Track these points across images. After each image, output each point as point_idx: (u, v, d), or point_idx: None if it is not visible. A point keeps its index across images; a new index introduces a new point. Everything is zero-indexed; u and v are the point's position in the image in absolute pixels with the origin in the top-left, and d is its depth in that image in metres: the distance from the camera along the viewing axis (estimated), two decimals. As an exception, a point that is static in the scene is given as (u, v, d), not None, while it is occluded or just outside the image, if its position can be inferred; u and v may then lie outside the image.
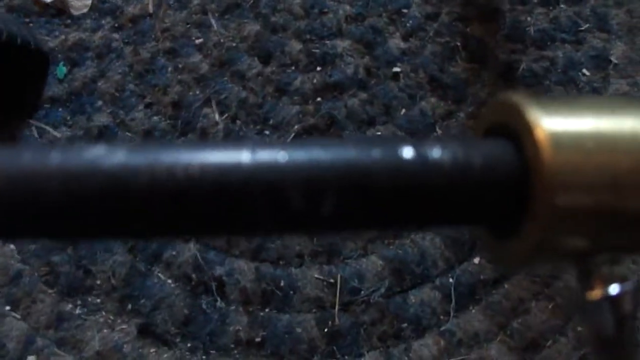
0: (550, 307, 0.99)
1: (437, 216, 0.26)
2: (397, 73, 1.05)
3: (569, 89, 1.10)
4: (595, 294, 0.27)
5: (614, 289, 0.26)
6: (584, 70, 1.12)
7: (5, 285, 0.92)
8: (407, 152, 0.24)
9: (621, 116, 0.26)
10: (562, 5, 1.16)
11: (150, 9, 1.07)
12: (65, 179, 0.21)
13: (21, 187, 0.21)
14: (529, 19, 1.14)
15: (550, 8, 1.15)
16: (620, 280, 0.26)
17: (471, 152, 0.25)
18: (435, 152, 0.25)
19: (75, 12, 1.07)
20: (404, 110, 1.03)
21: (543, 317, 0.98)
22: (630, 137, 0.25)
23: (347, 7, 1.09)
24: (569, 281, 1.01)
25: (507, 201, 0.25)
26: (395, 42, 1.08)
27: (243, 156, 0.23)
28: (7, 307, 0.91)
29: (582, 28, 1.15)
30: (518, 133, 0.26)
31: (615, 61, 1.14)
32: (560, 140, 0.25)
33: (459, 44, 1.09)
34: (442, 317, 0.95)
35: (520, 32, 1.12)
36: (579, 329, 0.99)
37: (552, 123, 0.25)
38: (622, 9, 1.18)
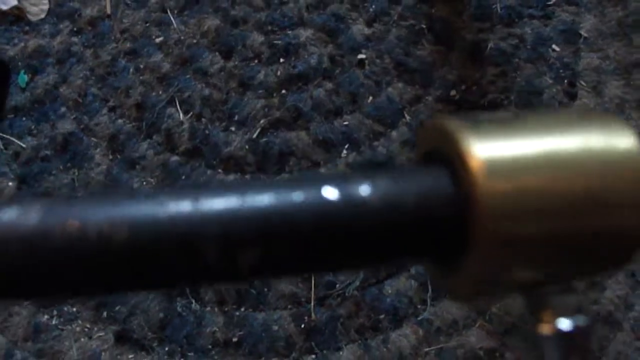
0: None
1: (370, 258, 0.25)
2: (362, 60, 1.06)
3: (538, 66, 1.10)
4: (545, 328, 0.26)
5: (564, 323, 0.25)
6: (554, 46, 1.12)
7: (-22, 301, 0.92)
8: (332, 193, 0.23)
9: (562, 135, 0.25)
10: (528, -20, 1.15)
11: (108, 10, 1.07)
12: None
13: None
14: (495, -5, 1.13)
15: (517, -17, 1.15)
16: (573, 312, 0.25)
17: (403, 187, 0.24)
18: (363, 191, 0.24)
19: (33, 18, 1.07)
20: (371, 98, 1.04)
21: (522, 301, 1.00)
22: (575, 158, 0.24)
23: (308, -5, 1.09)
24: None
25: (444, 236, 0.24)
26: (359, 28, 1.08)
27: (157, 209, 0.23)
28: (-17, 323, 0.92)
29: (551, 2, 1.15)
30: (452, 161, 0.24)
31: (586, 35, 1.14)
32: (496, 167, 0.23)
33: (424, 26, 1.10)
34: (419, 306, 0.96)
35: (487, 11, 1.13)
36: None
37: (486, 149, 0.24)
38: (590, -21, 1.17)
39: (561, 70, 1.11)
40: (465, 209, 0.23)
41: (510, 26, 1.13)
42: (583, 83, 1.11)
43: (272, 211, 0.23)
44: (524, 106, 1.08)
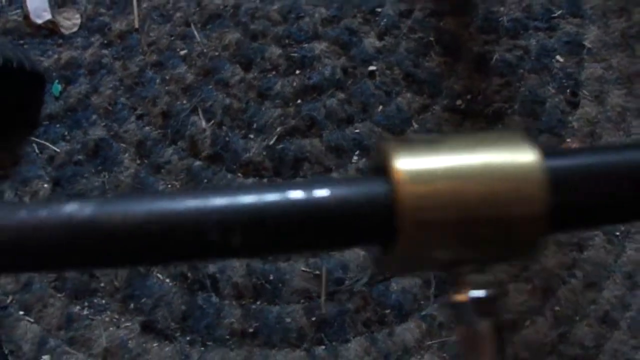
0: (528, 288, 1.12)
1: (326, 243, 0.34)
2: (373, 71, 1.19)
3: (542, 76, 1.22)
4: (460, 297, 0.34)
5: (474, 293, 0.33)
6: (558, 57, 1.24)
7: (18, 292, 1.07)
8: (298, 194, 0.32)
9: (473, 151, 0.33)
10: (534, -7, 1.27)
11: (136, 24, 1.21)
12: (49, 230, 0.34)
13: (23, 235, 0.34)
14: (502, 9, 1.26)
15: (523, -4, 1.27)
16: (482, 287, 0.34)
17: (351, 190, 0.33)
18: (321, 193, 0.32)
19: (66, 32, 1.21)
20: (381, 107, 1.17)
21: (521, 298, 1.11)
22: (479, 169, 0.32)
23: (323, 10, 1.22)
24: (544, 263, 1.14)
25: (381, 226, 0.33)
26: (370, 42, 1.21)
27: (175, 204, 0.34)
28: (21, 312, 1.07)
29: (555, 15, 1.27)
30: (387, 172, 0.33)
31: (589, 45, 1.26)
32: (415, 176, 0.32)
33: (432, 39, 1.22)
34: (422, 302, 1.09)
35: (493, 23, 1.25)
36: (557, 309, 1.12)
37: (409, 163, 0.32)
38: (595, -7, 1.29)
39: (564, 80, 1.23)
40: (395, 206, 0.32)
41: (515, 38, 1.25)
42: (585, 92, 1.23)
43: (253, 206, 0.32)
44: (528, 115, 1.20)
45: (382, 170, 0.34)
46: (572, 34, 1.26)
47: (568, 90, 1.22)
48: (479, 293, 0.34)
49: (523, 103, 1.20)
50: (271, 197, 0.32)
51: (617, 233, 1.16)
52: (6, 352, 1.05)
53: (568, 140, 1.20)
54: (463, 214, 0.32)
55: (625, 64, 1.25)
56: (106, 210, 0.31)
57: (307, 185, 0.32)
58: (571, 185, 0.34)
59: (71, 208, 0.31)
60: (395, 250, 0.33)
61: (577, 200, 0.34)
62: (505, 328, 0.35)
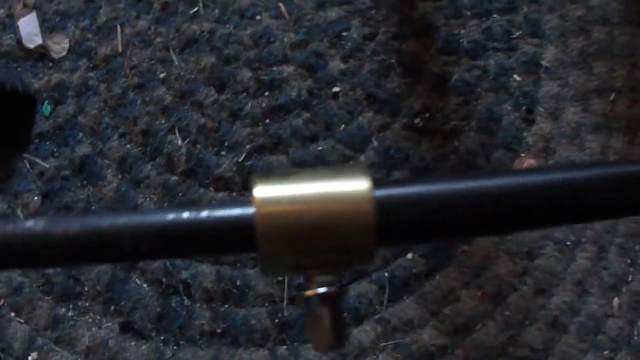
0: (479, 294, 1.29)
1: (209, 251, 0.45)
2: (336, 92, 1.37)
3: (499, 94, 1.39)
4: (309, 293, 0.45)
5: (321, 290, 0.44)
6: (515, 76, 1.41)
7: (9, 296, 1.27)
8: (185, 214, 0.43)
9: (316, 182, 0.44)
10: (494, 15, 1.44)
11: (120, 49, 1.41)
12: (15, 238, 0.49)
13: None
14: (462, 31, 1.43)
15: (483, 19, 1.44)
16: (327, 285, 0.45)
17: (225, 212, 0.44)
18: (204, 214, 0.43)
19: (55, 56, 1.41)
20: (343, 126, 1.35)
21: (472, 304, 1.28)
22: (320, 195, 0.43)
23: (292, 35, 1.41)
24: (496, 271, 1.30)
25: (246, 239, 0.43)
26: (335, 64, 1.39)
27: (101, 221, 0.44)
28: (12, 314, 1.27)
29: (515, 35, 1.43)
30: (251, 198, 0.44)
31: (547, 64, 1.42)
32: (269, 201, 0.43)
33: (394, 60, 1.40)
34: (377, 306, 1.26)
35: (454, 45, 1.42)
36: (507, 313, 1.28)
37: (266, 191, 0.43)
38: (554, 14, 1.45)
39: (521, 98, 1.39)
40: (254, 224, 0.42)
41: (474, 59, 1.42)
42: (541, 109, 1.39)
43: (156, 223, 0.43)
44: (483, 132, 1.37)
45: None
46: (530, 54, 1.42)
47: (524, 108, 1.39)
48: (323, 289, 0.45)
49: (479, 120, 1.37)
50: (170, 216, 0.43)
51: (568, 243, 1.32)
52: (-1, 349, 1.25)
53: (522, 155, 1.37)
54: (306, 231, 0.42)
55: (582, 81, 1.41)
56: (53, 225, 0.44)
57: (197, 208, 0.44)
58: (394, 209, 0.44)
59: (30, 223, 0.44)
60: (260, 257, 0.44)
61: (398, 221, 0.44)
62: (341, 315, 0.45)
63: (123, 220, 0.44)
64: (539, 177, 0.46)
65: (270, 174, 0.45)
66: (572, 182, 0.46)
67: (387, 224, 0.44)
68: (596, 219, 0.49)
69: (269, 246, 0.43)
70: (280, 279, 1.26)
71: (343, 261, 0.46)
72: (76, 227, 0.44)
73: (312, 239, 0.43)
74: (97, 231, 0.44)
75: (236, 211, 0.44)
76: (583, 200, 0.45)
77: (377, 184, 0.44)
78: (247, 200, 0.45)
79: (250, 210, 0.44)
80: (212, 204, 0.46)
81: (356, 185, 0.44)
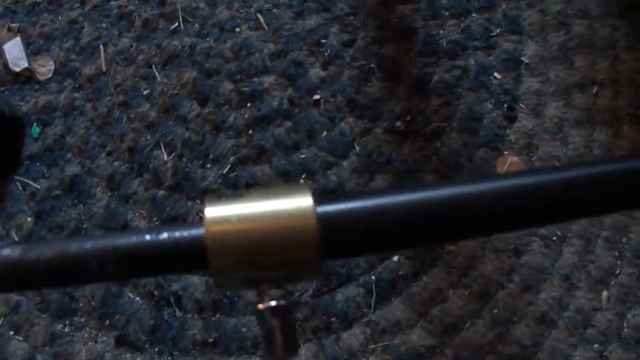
0: (466, 294, 1.37)
1: (167, 269, 0.49)
2: (317, 100, 1.46)
3: (480, 93, 1.47)
4: (262, 306, 0.47)
5: (272, 303, 0.47)
6: (495, 74, 1.49)
7: (7, 315, 1.38)
8: (149, 237, 0.48)
9: (263, 200, 0.48)
10: (473, 15, 1.53)
11: (104, 67, 1.51)
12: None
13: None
14: (441, 32, 1.52)
15: (462, 18, 1.53)
16: (279, 298, 0.48)
17: (181, 233, 0.48)
18: (163, 235, 0.48)
19: (41, 78, 1.52)
20: (325, 133, 1.44)
21: (460, 303, 1.36)
22: (266, 213, 0.47)
23: (271, 45, 1.51)
24: (482, 270, 1.38)
25: (198, 257, 0.47)
26: (315, 72, 1.49)
27: (70, 246, 0.49)
28: (11, 332, 1.37)
29: (494, 33, 1.52)
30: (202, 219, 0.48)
31: (527, 61, 1.50)
32: (217, 221, 0.47)
33: (373, 65, 1.49)
34: (365, 310, 1.35)
35: (433, 46, 1.51)
36: (495, 311, 1.36)
37: (214, 212, 0.47)
38: (534, 9, 1.54)
39: (502, 96, 1.48)
40: (204, 243, 0.47)
41: (454, 59, 1.50)
42: (523, 106, 1.47)
43: (120, 245, 0.48)
44: (465, 131, 1.45)
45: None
46: (510, 51, 1.51)
47: (505, 105, 1.47)
48: (274, 303, 0.48)
49: (461, 120, 1.46)
50: (133, 238, 0.48)
51: (554, 238, 1.40)
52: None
53: (505, 153, 1.45)
54: (253, 247, 0.46)
55: (564, 76, 1.49)
56: (27, 251, 0.49)
57: (157, 230, 0.49)
58: (335, 224, 0.47)
59: (7, 250, 0.49)
60: (212, 273, 0.47)
61: (340, 235, 0.48)
62: (292, 326, 0.48)
63: (89, 244, 0.49)
64: (483, 186, 0.50)
65: (221, 195, 0.49)
66: (509, 190, 0.49)
67: (330, 239, 0.47)
68: (520, 227, 0.52)
69: (219, 263, 0.47)
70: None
71: (291, 275, 0.49)
72: (48, 253, 0.49)
73: (260, 255, 0.47)
74: (66, 256, 0.48)
75: (189, 232, 0.48)
76: (514, 208, 0.49)
77: (319, 200, 0.47)
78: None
79: (200, 231, 0.48)
80: (171, 226, 0.51)
81: (299, 202, 0.47)
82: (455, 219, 0.50)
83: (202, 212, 0.49)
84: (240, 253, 0.47)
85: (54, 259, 0.49)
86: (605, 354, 1.33)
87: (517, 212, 0.50)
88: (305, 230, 0.47)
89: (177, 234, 0.49)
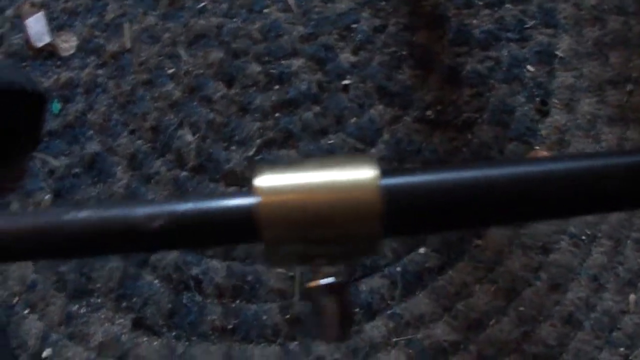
0: (492, 289, 1.34)
1: (216, 240, 0.47)
2: (346, 85, 1.43)
3: (513, 86, 1.44)
4: (314, 284, 0.45)
5: (324, 281, 0.44)
6: (529, 67, 1.46)
7: (23, 293, 1.35)
8: (200, 204, 0.46)
9: (321, 171, 0.45)
10: (507, 5, 1.50)
11: (128, 45, 1.48)
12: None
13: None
14: (474, 21, 1.49)
15: (496, 9, 1.49)
16: (331, 276, 0.45)
17: (231, 202, 0.46)
18: (212, 203, 0.46)
19: (64, 54, 1.49)
20: (354, 119, 1.41)
21: (486, 299, 1.34)
22: (325, 184, 0.44)
23: (301, 28, 1.47)
24: (510, 266, 1.35)
25: (249, 229, 0.45)
26: (345, 57, 1.45)
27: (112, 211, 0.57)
28: (26, 311, 1.34)
29: (528, 25, 1.49)
30: (254, 189, 0.45)
31: (561, 55, 1.47)
32: (271, 191, 0.44)
33: (405, 52, 1.46)
34: (390, 302, 1.32)
35: (466, 35, 1.47)
36: (521, 309, 1.33)
37: (268, 181, 0.45)
38: (569, 3, 1.51)
39: (534, 89, 1.45)
40: (256, 214, 0.44)
41: (487, 49, 1.47)
42: (555, 101, 1.44)
43: (174, 212, 0.46)
44: (497, 124, 1.42)
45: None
46: (544, 44, 1.47)
47: (538, 99, 1.44)
48: (328, 280, 0.45)
49: (493, 112, 1.43)
50: (187, 205, 0.47)
51: (583, 237, 1.37)
52: (13, 346, 1.32)
53: (536, 147, 1.42)
54: (310, 219, 0.44)
55: (598, 72, 1.46)
56: (98, 215, 0.47)
57: (202, 198, 0.47)
58: (400, 198, 0.45)
59: (84, 213, 0.48)
60: (264, 247, 0.45)
61: (405, 210, 0.45)
62: (348, 305, 0.46)
63: (145, 209, 0.47)
64: (548, 166, 0.48)
65: (275, 164, 0.47)
66: (584, 170, 0.47)
67: (394, 214, 0.45)
68: (606, 210, 0.49)
69: (272, 235, 0.45)
70: (291, 274, 1.33)
71: (349, 252, 0.47)
72: (93, 217, 0.47)
73: (317, 229, 0.44)
74: (111, 220, 0.47)
75: (239, 201, 0.46)
76: (596, 189, 0.47)
77: (384, 172, 0.45)
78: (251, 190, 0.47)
79: (253, 200, 0.45)
80: (218, 194, 0.49)
81: (362, 174, 0.45)
82: (524, 200, 0.47)
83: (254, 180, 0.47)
84: (295, 225, 0.44)
85: (102, 224, 0.47)
86: (630, 358, 1.30)
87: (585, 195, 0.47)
88: (368, 203, 0.44)
89: (226, 203, 0.47)
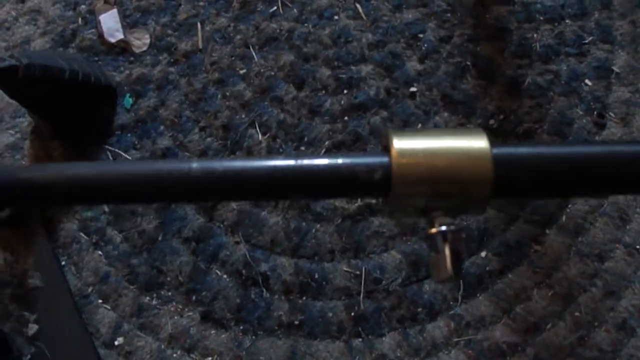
0: (550, 294, 1.36)
1: (349, 192, 0.56)
2: (413, 92, 1.46)
3: (571, 99, 1.48)
4: (432, 230, 0.54)
5: (442, 227, 0.54)
6: (587, 81, 1.49)
7: (97, 284, 1.37)
8: (340, 160, 0.54)
9: (443, 139, 0.54)
10: (567, 21, 1.53)
11: (200, 45, 1.50)
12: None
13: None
14: (535, 35, 1.52)
15: (556, 24, 1.53)
16: (448, 224, 0.54)
17: (367, 160, 0.54)
18: (352, 160, 0.54)
19: (136, 50, 1.51)
20: (419, 125, 1.44)
21: (543, 303, 1.36)
22: (446, 150, 0.53)
23: (370, 35, 1.50)
24: (567, 272, 1.38)
25: (382, 183, 0.54)
26: (412, 65, 1.48)
27: (192, 165, 0.55)
28: (100, 301, 1.36)
29: (586, 41, 1.52)
30: (388, 149, 0.55)
31: (618, 70, 1.50)
32: (404, 152, 0.53)
33: (469, 63, 1.49)
34: (452, 302, 1.35)
35: (527, 48, 1.51)
36: (577, 314, 1.36)
37: (401, 143, 0.54)
38: (626, 20, 1.54)
39: (592, 103, 1.48)
40: (390, 170, 0.53)
41: (547, 63, 1.50)
42: (612, 115, 1.47)
43: (307, 166, 0.54)
44: (556, 134, 1.45)
45: (385, 147, 0.56)
46: (601, 59, 1.51)
47: (595, 112, 1.47)
48: (444, 227, 0.54)
49: (552, 123, 1.46)
50: (323, 161, 0.55)
51: (638, 247, 1.40)
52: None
53: (593, 159, 1.45)
54: (434, 179, 0.53)
55: (653, 88, 1.50)
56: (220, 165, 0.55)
57: (336, 156, 0.55)
58: (509, 165, 0.54)
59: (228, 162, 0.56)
60: (391, 199, 0.54)
61: (513, 175, 0.54)
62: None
63: (281, 162, 0.55)
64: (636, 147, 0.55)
65: (402, 130, 0.56)
66: None
67: (503, 178, 0.53)
68: None
69: (402, 191, 0.53)
70: (357, 272, 1.35)
71: (462, 207, 0.55)
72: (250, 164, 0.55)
73: (439, 187, 0.53)
74: (270, 170, 0.54)
75: (377, 159, 0.55)
76: None
77: (494, 143, 0.54)
78: (383, 151, 0.56)
79: (388, 159, 0.54)
80: (356, 154, 0.56)
81: (477, 143, 0.54)
82: (620, 173, 0.55)
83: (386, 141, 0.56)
84: (423, 183, 0.53)
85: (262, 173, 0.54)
86: (679, 365, 1.33)
87: None
88: (482, 169, 0.53)
89: (366, 160, 0.55)
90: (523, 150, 0.55)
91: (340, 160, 0.54)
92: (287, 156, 0.55)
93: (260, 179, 0.54)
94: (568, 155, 0.54)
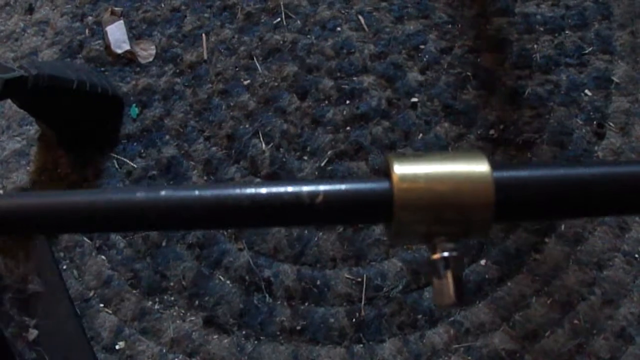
0: (549, 302, 1.39)
1: (351, 219, 0.55)
2: (415, 103, 1.50)
3: (571, 109, 1.51)
4: (434, 256, 0.54)
5: (445, 253, 0.53)
6: (586, 91, 1.53)
7: (99, 288, 1.41)
8: (347, 185, 0.54)
9: (444, 163, 0.53)
10: (567, 32, 1.57)
11: (205, 56, 1.55)
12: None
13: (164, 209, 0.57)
14: (535, 46, 1.56)
15: (556, 35, 1.57)
16: (450, 250, 0.54)
17: (367, 186, 0.54)
18: (353, 185, 0.54)
19: (142, 61, 1.56)
20: (420, 135, 1.48)
21: (542, 311, 1.38)
22: (447, 174, 0.53)
23: (371, 47, 1.55)
24: (565, 280, 1.41)
25: (384, 209, 0.53)
26: (414, 76, 1.52)
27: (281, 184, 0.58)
28: (101, 305, 1.40)
29: (586, 51, 1.56)
30: (388, 175, 0.54)
31: (617, 80, 1.54)
32: (405, 178, 0.52)
33: (470, 73, 1.53)
34: (451, 310, 1.38)
35: (527, 59, 1.55)
36: (575, 322, 1.39)
37: (402, 169, 0.53)
38: (625, 31, 1.57)
39: (592, 113, 1.51)
40: (391, 196, 0.53)
41: (547, 73, 1.54)
42: (611, 124, 1.51)
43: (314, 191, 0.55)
44: (555, 144, 1.49)
45: (385, 173, 0.56)
46: (601, 70, 1.54)
47: (595, 122, 1.50)
48: (446, 253, 0.54)
49: (552, 133, 1.49)
50: (328, 186, 0.54)
51: (636, 255, 1.42)
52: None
53: (593, 168, 1.48)
54: (437, 204, 0.53)
55: (652, 99, 1.53)
56: (154, 193, 0.56)
57: (339, 182, 0.55)
58: (510, 188, 0.54)
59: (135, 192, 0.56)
60: (393, 226, 0.54)
61: (514, 198, 0.54)
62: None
63: (280, 187, 0.56)
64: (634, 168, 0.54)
65: (402, 155, 0.56)
66: None
67: (505, 202, 0.53)
68: None
69: (405, 216, 0.53)
70: (359, 280, 1.39)
71: (464, 232, 0.55)
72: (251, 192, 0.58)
73: (441, 212, 0.53)
74: (280, 194, 0.55)
75: (378, 185, 0.55)
76: None
77: (495, 167, 0.54)
78: (383, 176, 0.56)
79: (388, 186, 0.54)
80: (356, 180, 0.56)
81: (478, 167, 0.54)
82: (619, 195, 0.55)
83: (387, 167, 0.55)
84: (426, 209, 0.53)
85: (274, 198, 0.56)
86: (678, 373, 1.35)
87: None
88: (483, 193, 0.53)
89: (366, 186, 0.55)
90: (524, 173, 0.55)
91: (343, 187, 0.54)
92: (295, 181, 0.56)
93: (284, 205, 0.55)
94: (570, 177, 0.55)
